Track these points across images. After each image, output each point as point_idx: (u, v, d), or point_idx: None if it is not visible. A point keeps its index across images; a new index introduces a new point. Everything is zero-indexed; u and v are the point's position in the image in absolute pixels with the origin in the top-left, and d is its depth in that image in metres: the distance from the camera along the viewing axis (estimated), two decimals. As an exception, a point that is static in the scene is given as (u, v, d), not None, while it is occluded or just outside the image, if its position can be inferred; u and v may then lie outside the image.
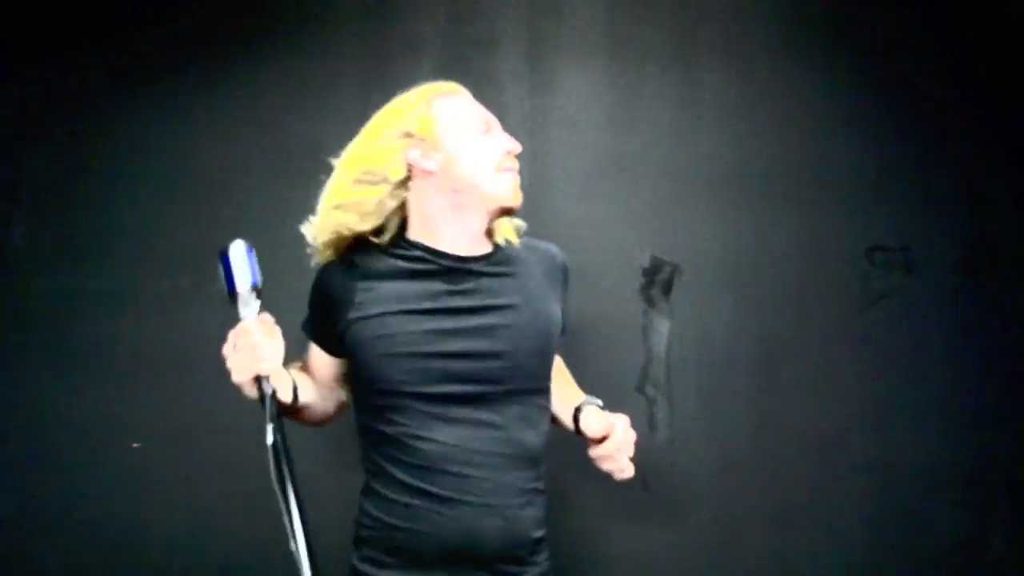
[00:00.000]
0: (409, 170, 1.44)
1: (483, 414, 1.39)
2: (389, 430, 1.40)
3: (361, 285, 1.43)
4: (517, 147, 1.46)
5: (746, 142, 2.22)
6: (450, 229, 1.45)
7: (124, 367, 2.17)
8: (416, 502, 1.39)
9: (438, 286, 1.43)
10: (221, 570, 2.14)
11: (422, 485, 1.38)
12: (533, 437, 1.44)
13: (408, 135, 1.43)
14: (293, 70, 2.23)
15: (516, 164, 1.48)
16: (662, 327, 2.19)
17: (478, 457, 1.37)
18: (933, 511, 2.15)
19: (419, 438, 1.38)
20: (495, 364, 1.40)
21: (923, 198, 2.20)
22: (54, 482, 2.16)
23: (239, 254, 1.35)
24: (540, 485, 1.47)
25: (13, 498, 2.16)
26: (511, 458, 1.40)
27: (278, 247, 2.20)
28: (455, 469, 1.37)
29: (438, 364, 1.38)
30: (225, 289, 1.35)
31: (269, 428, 1.23)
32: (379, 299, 1.42)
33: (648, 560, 2.15)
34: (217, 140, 2.22)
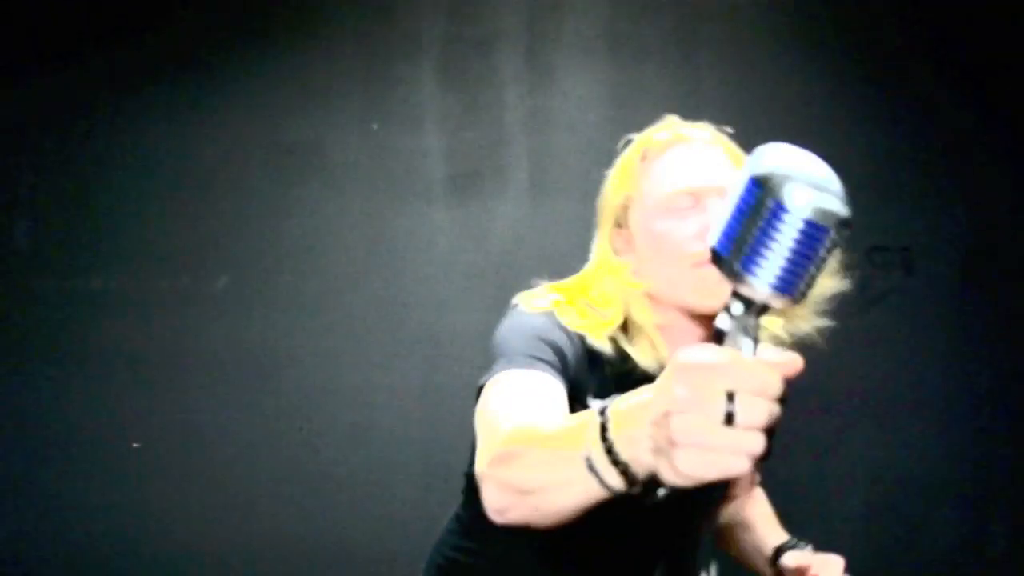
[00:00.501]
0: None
1: None
2: None
3: None
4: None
5: (746, 142, 2.21)
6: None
7: (124, 367, 2.17)
8: None
9: None
10: (222, 570, 2.14)
11: None
12: None
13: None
14: (293, 70, 2.22)
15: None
16: (662, 327, 2.19)
17: None
18: (933, 511, 2.15)
19: None
20: None
21: (923, 198, 2.20)
22: (54, 482, 2.16)
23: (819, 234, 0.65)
24: None
25: (13, 498, 2.16)
26: None
27: (278, 247, 2.21)
28: None
29: None
30: (779, 283, 0.63)
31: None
32: None
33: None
34: (217, 140, 2.22)
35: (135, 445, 2.17)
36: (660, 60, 2.24)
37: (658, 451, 0.62)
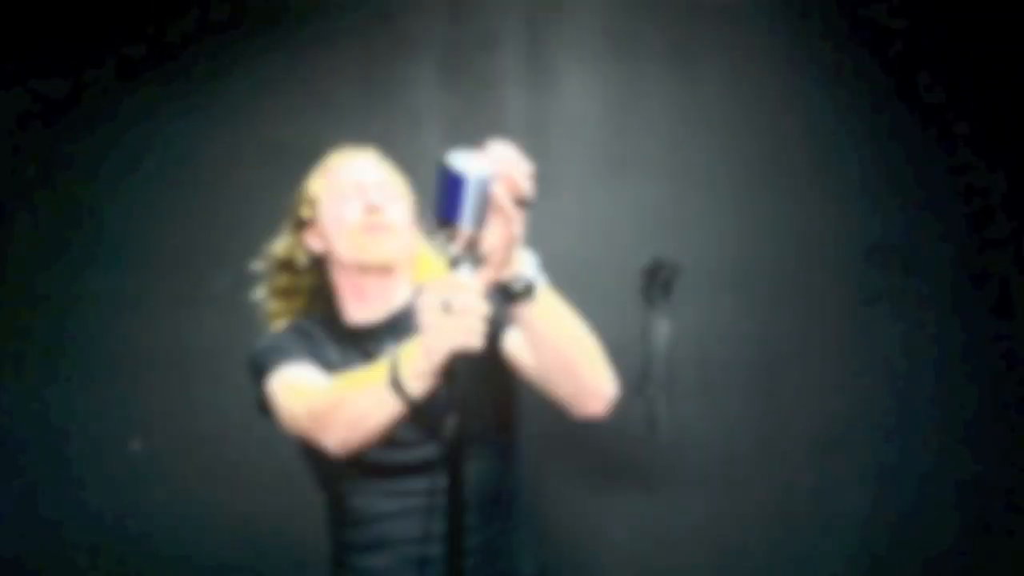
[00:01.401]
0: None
1: None
2: None
3: None
4: (375, 202, 1.44)
5: (746, 142, 2.22)
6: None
7: (124, 367, 2.17)
8: None
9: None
10: (222, 570, 2.14)
11: None
12: None
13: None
14: (293, 70, 2.23)
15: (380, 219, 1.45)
16: (662, 327, 2.19)
17: None
18: (933, 511, 2.15)
19: None
20: None
21: (923, 198, 2.20)
22: (54, 482, 2.16)
23: (479, 182, 1.01)
24: None
25: (13, 498, 2.16)
26: None
27: (278, 247, 2.20)
28: None
29: None
30: (439, 214, 1.01)
31: (452, 421, 1.02)
32: None
33: (648, 560, 2.15)
34: (217, 140, 2.22)
35: (135, 445, 2.17)
36: (660, 60, 2.24)
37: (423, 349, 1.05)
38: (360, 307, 1.47)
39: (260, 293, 1.57)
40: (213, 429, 2.15)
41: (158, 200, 2.21)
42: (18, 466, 2.17)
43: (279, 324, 1.53)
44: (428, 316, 1.02)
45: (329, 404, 1.24)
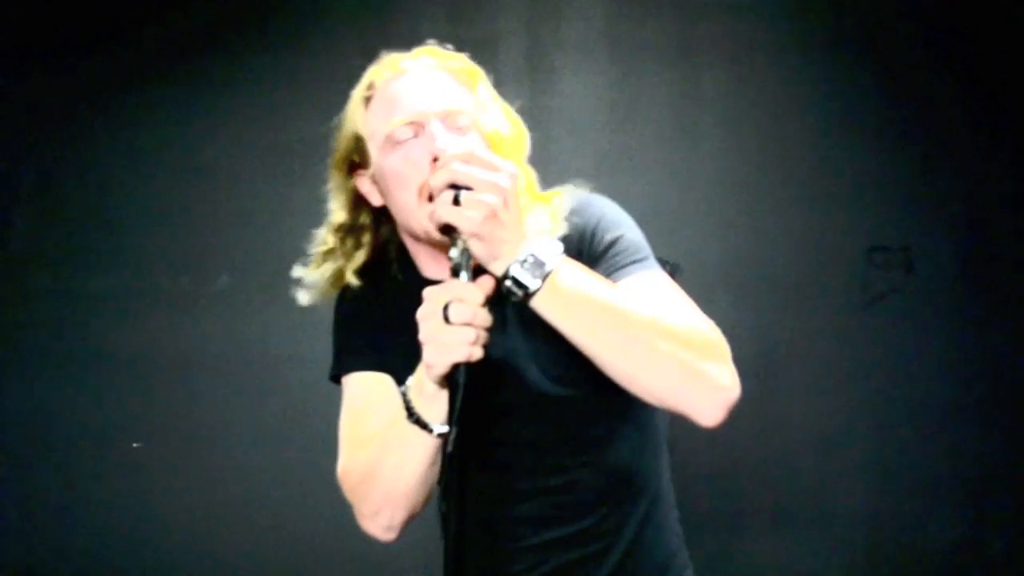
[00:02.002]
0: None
1: None
2: None
3: None
4: (445, 148, 1.04)
5: (746, 142, 2.22)
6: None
7: (124, 367, 2.17)
8: None
9: None
10: (222, 570, 2.14)
11: None
12: None
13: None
14: (293, 70, 2.22)
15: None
16: (662, 327, 2.19)
17: None
18: (933, 511, 2.15)
19: None
20: None
21: (923, 198, 2.20)
22: (54, 482, 2.16)
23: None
24: None
25: (13, 498, 2.16)
26: None
27: (278, 247, 2.20)
28: None
29: None
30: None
31: (453, 431, 0.94)
32: None
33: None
34: (217, 140, 2.22)
35: (135, 445, 2.17)
36: (660, 60, 2.23)
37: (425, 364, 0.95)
38: (439, 268, 1.14)
39: (312, 269, 1.25)
40: (213, 429, 2.15)
41: (158, 200, 2.21)
42: (18, 466, 2.17)
43: (336, 291, 1.25)
44: (427, 328, 0.92)
45: (366, 474, 1.10)
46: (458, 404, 0.93)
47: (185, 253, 2.19)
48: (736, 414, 2.32)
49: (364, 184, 1.18)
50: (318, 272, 1.23)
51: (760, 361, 2.18)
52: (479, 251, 0.94)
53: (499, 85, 2.41)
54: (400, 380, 1.06)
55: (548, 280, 0.95)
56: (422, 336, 0.93)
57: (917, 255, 2.19)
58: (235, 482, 2.14)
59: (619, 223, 1.20)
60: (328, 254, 1.23)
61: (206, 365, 2.16)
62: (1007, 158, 2.20)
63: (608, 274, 1.08)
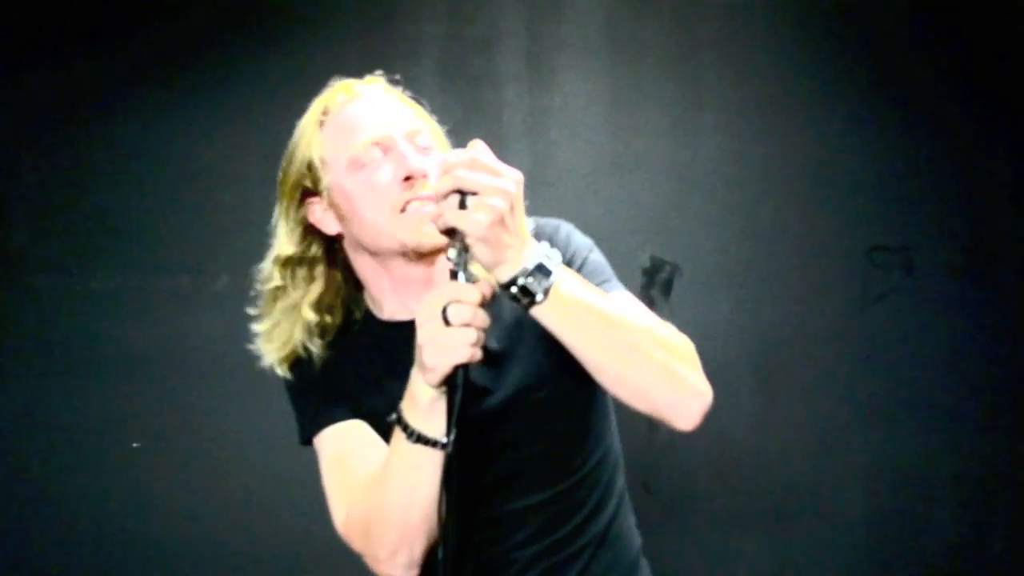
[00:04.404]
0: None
1: None
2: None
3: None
4: (417, 169, 1.09)
5: (746, 142, 2.22)
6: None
7: (124, 367, 2.17)
8: None
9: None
10: (222, 569, 2.14)
11: None
12: None
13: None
14: (293, 70, 2.22)
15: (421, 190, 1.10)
16: (662, 327, 2.19)
17: None
18: (933, 511, 2.15)
19: None
20: None
21: (923, 198, 2.21)
22: (54, 482, 2.16)
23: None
24: None
25: (13, 498, 2.16)
26: None
27: (278, 247, 2.20)
28: None
29: None
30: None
31: (452, 435, 0.94)
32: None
33: (647, 560, 2.15)
34: (217, 140, 2.22)
35: (135, 445, 2.17)
36: (660, 60, 2.24)
37: (419, 366, 0.95)
38: (399, 300, 1.16)
39: (262, 322, 1.21)
40: (213, 429, 2.15)
41: (158, 200, 2.21)
42: (18, 466, 2.16)
43: (289, 353, 1.21)
44: (426, 330, 0.93)
45: (375, 515, 1.06)
46: (456, 406, 0.93)
47: (185, 253, 2.19)
48: (736, 414, 2.33)
49: (316, 212, 1.17)
50: (275, 335, 1.19)
51: (760, 361, 2.18)
52: (483, 256, 0.93)
53: (499, 85, 2.42)
54: (379, 416, 1.06)
55: (552, 289, 0.96)
56: (421, 339, 0.93)
57: (917, 255, 2.20)
58: (235, 482, 2.14)
59: (586, 245, 1.21)
60: (278, 291, 1.18)
61: (206, 365, 2.16)
62: (1007, 158, 2.20)
63: None
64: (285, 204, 1.19)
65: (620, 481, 1.27)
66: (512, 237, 0.93)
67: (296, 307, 1.18)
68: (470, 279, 0.94)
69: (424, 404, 0.98)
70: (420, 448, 0.99)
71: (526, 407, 1.12)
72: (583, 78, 2.24)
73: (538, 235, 1.12)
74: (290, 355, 1.20)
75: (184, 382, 2.15)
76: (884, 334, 2.18)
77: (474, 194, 0.91)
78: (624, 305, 1.09)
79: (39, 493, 2.16)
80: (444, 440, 0.97)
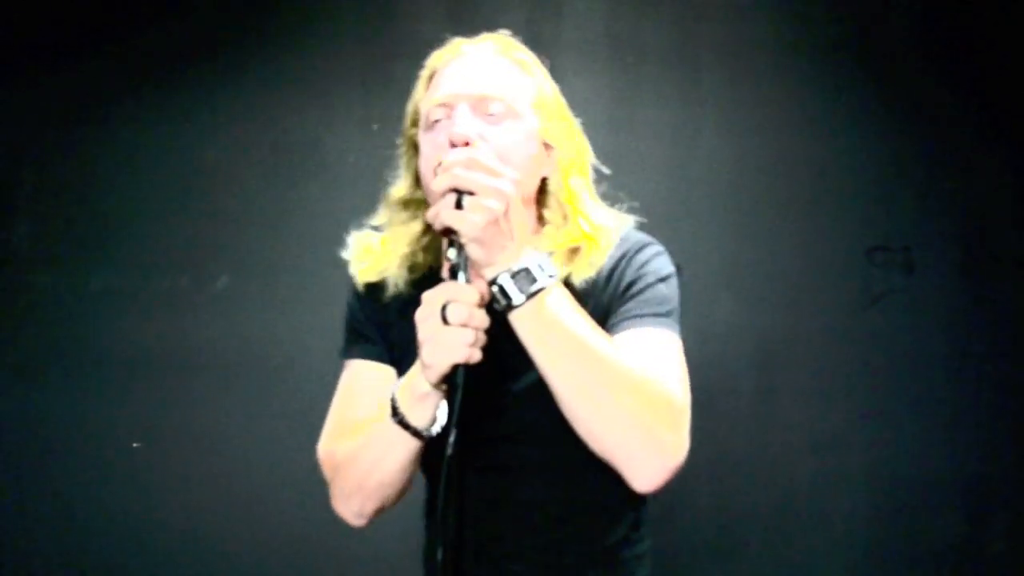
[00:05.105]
0: None
1: None
2: None
3: None
4: (460, 135, 1.02)
5: (746, 142, 2.22)
6: None
7: (124, 367, 2.17)
8: None
9: None
10: (222, 569, 2.14)
11: None
12: None
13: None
14: (293, 70, 2.22)
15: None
16: (662, 327, 2.19)
17: None
18: (933, 511, 2.15)
19: None
20: None
21: (923, 198, 2.20)
22: (54, 482, 2.16)
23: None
24: None
25: (13, 498, 2.16)
26: None
27: (279, 248, 2.21)
28: None
29: None
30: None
31: (452, 435, 0.95)
32: None
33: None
34: (217, 140, 2.22)
35: (135, 445, 2.17)
36: (660, 60, 2.24)
37: (420, 362, 0.95)
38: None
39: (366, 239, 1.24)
40: (213, 429, 2.15)
41: (158, 200, 2.21)
42: (18, 466, 2.16)
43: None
44: (425, 327, 0.93)
45: (345, 460, 1.10)
46: (457, 406, 0.93)
47: (185, 253, 2.19)
48: (736, 414, 2.33)
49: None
50: (370, 255, 1.22)
51: (760, 361, 2.18)
52: (477, 255, 0.94)
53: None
54: (403, 370, 1.06)
55: (534, 298, 0.95)
56: (421, 336, 0.94)
57: (917, 255, 2.20)
58: (235, 482, 2.14)
59: (658, 273, 1.18)
60: (385, 225, 1.23)
61: (206, 365, 2.16)
62: (1007, 158, 2.20)
63: (622, 316, 1.09)
64: (402, 150, 1.22)
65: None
66: (506, 239, 0.93)
67: (397, 240, 1.20)
68: (470, 279, 0.95)
69: (416, 394, 0.99)
70: (399, 430, 1.02)
71: (547, 396, 1.06)
72: (583, 78, 2.24)
73: (620, 246, 1.17)
74: (370, 272, 1.21)
75: (184, 382, 2.15)
76: (884, 334, 2.18)
77: (471, 194, 0.91)
78: (624, 342, 1.05)
79: (39, 493, 2.16)
80: (424, 431, 1.01)
